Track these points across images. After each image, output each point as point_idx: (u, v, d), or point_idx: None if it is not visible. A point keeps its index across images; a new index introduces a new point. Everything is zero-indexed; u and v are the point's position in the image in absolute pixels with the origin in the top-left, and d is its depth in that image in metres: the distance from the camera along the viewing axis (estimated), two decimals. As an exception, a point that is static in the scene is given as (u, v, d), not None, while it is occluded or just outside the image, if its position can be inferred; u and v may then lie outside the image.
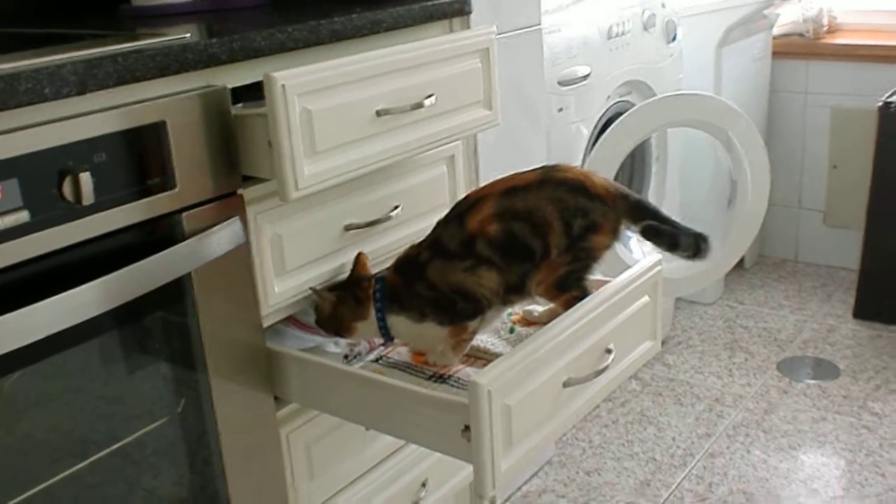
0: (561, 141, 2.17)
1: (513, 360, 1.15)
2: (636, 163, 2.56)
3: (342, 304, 1.31)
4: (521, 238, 1.25)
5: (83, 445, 1.10)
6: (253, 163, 1.18)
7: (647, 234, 1.29)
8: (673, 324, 2.82)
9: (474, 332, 1.32)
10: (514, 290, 1.28)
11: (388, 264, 1.46)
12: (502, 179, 1.30)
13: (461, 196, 1.60)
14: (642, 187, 2.58)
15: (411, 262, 1.30)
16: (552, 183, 1.26)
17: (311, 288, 1.33)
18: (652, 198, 2.59)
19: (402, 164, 1.45)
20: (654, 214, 1.29)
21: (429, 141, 1.34)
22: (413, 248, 1.33)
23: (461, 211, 1.29)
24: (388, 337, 1.32)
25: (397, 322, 1.30)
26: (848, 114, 3.04)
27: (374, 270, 1.37)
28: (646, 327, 1.41)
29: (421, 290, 1.28)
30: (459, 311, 1.28)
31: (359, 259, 1.35)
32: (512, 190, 1.27)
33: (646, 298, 1.39)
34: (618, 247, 1.31)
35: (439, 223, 1.32)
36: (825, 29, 3.09)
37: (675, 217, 1.33)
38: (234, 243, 1.16)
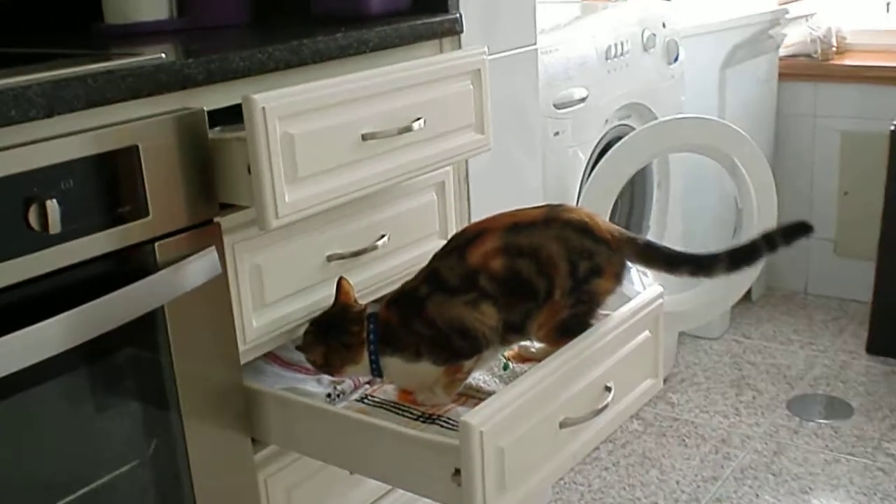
0: (557, 166, 2.18)
1: (506, 399, 1.15)
2: (636, 189, 2.57)
3: (333, 353, 1.31)
4: (525, 276, 1.26)
5: (48, 491, 1.09)
6: (231, 189, 1.18)
7: (645, 255, 1.31)
8: (676, 360, 2.81)
9: (469, 372, 1.32)
10: (514, 330, 1.29)
11: (373, 297, 1.45)
12: (504, 214, 1.31)
13: (452, 224, 1.61)
14: (643, 215, 2.59)
15: (409, 298, 1.30)
16: (558, 222, 1.28)
17: (297, 347, 1.33)
18: (653, 226, 2.59)
19: (389, 191, 1.45)
20: (666, 256, 1.32)
21: (417, 166, 1.34)
22: (410, 282, 1.33)
23: (460, 244, 1.30)
24: (378, 376, 1.32)
25: (391, 363, 1.30)
26: (859, 138, 3.06)
27: (359, 302, 1.37)
28: (647, 364, 1.40)
29: (419, 327, 1.28)
30: (456, 349, 1.28)
31: (341, 286, 1.35)
32: (516, 226, 1.28)
33: (647, 333, 1.39)
34: None
35: (436, 256, 1.33)
36: (834, 49, 3.11)
37: (678, 247, 1.34)
38: (210, 274, 1.16)
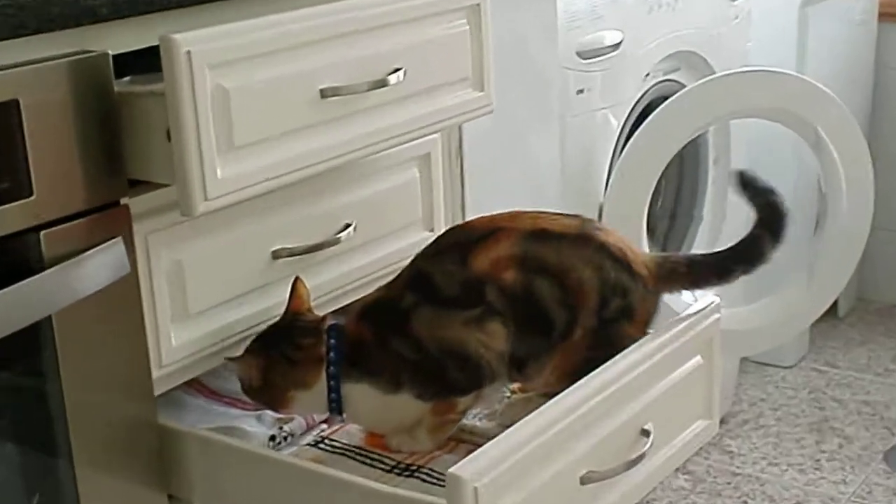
0: (580, 135, 2.18)
1: (509, 446, 1.15)
2: (686, 168, 2.57)
3: (274, 371, 1.31)
4: (543, 302, 1.28)
5: None
6: (144, 161, 1.18)
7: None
8: (737, 395, 2.82)
9: (464, 412, 1.33)
10: (517, 367, 1.31)
11: (334, 306, 1.46)
12: (525, 213, 1.33)
13: (440, 211, 1.61)
14: (694, 202, 2.59)
15: (388, 308, 1.32)
16: (594, 242, 1.31)
17: (226, 358, 1.33)
18: (707, 216, 2.59)
19: (357, 167, 1.45)
20: (715, 266, 1.38)
21: (394, 133, 1.34)
22: (388, 288, 1.34)
23: (462, 241, 1.32)
24: (337, 412, 1.33)
25: (357, 393, 1.31)
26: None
27: (319, 312, 1.38)
28: (698, 400, 1.41)
29: (401, 348, 1.29)
30: (451, 381, 1.29)
31: (295, 289, 1.35)
32: (543, 234, 1.30)
33: (698, 359, 1.39)
34: None
35: (424, 255, 1.34)
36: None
37: (727, 245, 1.37)
38: (114, 274, 1.16)
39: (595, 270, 1.30)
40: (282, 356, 1.32)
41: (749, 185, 1.43)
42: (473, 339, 1.28)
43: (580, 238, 1.31)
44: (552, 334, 1.29)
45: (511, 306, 1.28)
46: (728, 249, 1.39)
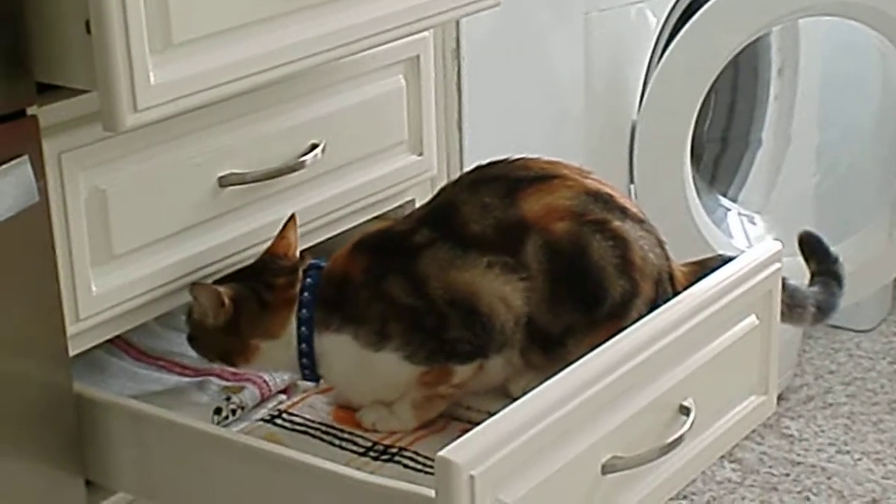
0: (609, 36, 2.17)
1: (514, 425, 1.15)
2: (742, 80, 2.58)
3: (242, 308, 1.33)
4: (600, 266, 1.30)
5: None
6: (57, 61, 1.17)
7: None
8: (800, 366, 2.83)
9: (461, 386, 1.33)
10: (540, 342, 1.32)
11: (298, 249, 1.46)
12: (592, 173, 1.37)
13: (430, 130, 1.61)
14: (751, 122, 2.59)
15: (391, 242, 1.34)
16: (657, 235, 1.38)
17: (192, 284, 1.34)
18: (768, 141, 2.59)
19: (327, 72, 1.45)
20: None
21: (374, 30, 1.34)
22: (398, 221, 1.37)
23: (513, 177, 1.33)
24: (310, 374, 1.34)
25: (334, 346, 1.32)
26: None
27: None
28: (751, 371, 1.41)
29: (395, 289, 1.30)
30: (451, 341, 1.30)
31: (284, 229, 1.38)
32: (609, 199, 1.34)
33: (752, 319, 1.40)
34: (703, 223, 1.37)
35: (459, 182, 1.37)
36: None
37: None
38: (19, 203, 1.15)
39: (658, 258, 1.34)
40: (253, 293, 1.33)
41: (811, 247, 1.55)
42: (492, 290, 1.29)
43: (646, 223, 1.36)
44: (600, 308, 1.31)
45: (554, 264, 1.29)
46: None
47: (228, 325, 1.33)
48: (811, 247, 1.53)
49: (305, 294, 1.32)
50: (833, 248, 1.54)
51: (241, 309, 1.33)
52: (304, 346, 1.32)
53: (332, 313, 1.32)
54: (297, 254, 1.38)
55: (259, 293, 1.33)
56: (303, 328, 1.32)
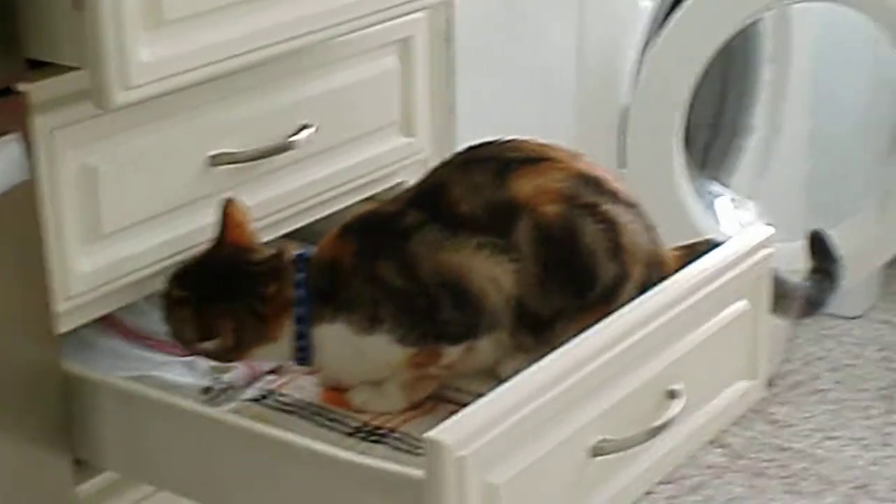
0: (601, 17, 2.17)
1: (503, 406, 1.15)
2: (735, 66, 2.57)
3: (242, 328, 1.32)
4: (590, 249, 1.30)
5: None
6: (47, 37, 1.17)
7: None
8: (788, 352, 2.84)
9: (450, 368, 1.34)
10: (529, 325, 1.32)
11: (285, 229, 1.46)
12: (584, 156, 1.37)
13: (422, 111, 1.60)
14: (742, 108, 2.59)
15: (380, 225, 1.33)
16: (647, 219, 1.37)
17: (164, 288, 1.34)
18: (759, 127, 2.59)
19: (320, 52, 1.45)
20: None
21: (367, 10, 1.34)
22: (386, 202, 1.36)
23: (504, 158, 1.33)
24: (305, 362, 1.35)
25: (329, 336, 1.32)
26: None
27: (261, 238, 1.38)
28: (740, 356, 1.42)
29: (386, 273, 1.30)
30: (442, 322, 1.30)
31: (228, 212, 1.35)
32: (599, 183, 1.34)
33: (743, 304, 1.40)
34: (694, 208, 1.36)
35: (450, 163, 1.36)
36: None
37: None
38: (8, 180, 1.16)
39: (648, 242, 1.34)
40: (248, 311, 1.32)
41: (819, 246, 1.56)
42: (482, 271, 1.29)
43: (637, 207, 1.35)
44: (590, 291, 1.31)
45: (544, 247, 1.30)
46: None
47: (236, 342, 1.33)
48: (818, 245, 1.54)
49: (299, 291, 1.32)
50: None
51: (241, 330, 1.32)
52: (301, 340, 1.32)
53: (325, 304, 1.32)
54: (272, 244, 1.36)
55: (254, 308, 1.32)
56: (300, 325, 1.32)
